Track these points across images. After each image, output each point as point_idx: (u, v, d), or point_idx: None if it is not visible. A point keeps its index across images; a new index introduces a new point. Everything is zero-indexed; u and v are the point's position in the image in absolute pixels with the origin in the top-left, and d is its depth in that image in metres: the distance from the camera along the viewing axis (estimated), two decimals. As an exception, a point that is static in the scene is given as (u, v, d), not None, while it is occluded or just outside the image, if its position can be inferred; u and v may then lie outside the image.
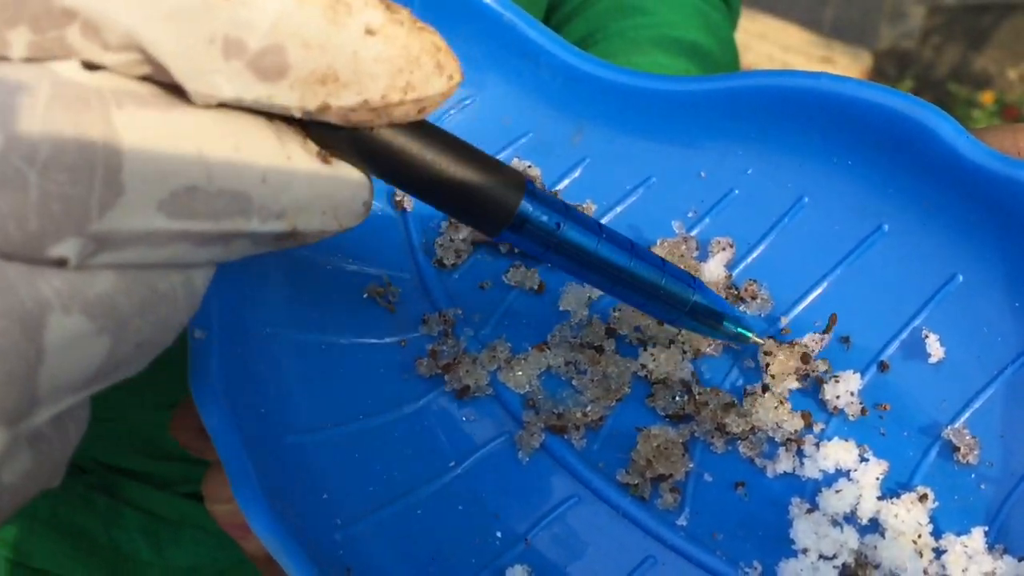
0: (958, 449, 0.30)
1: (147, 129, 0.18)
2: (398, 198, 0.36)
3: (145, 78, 0.18)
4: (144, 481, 0.54)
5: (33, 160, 0.16)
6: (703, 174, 0.36)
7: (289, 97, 0.20)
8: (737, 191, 0.36)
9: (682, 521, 0.30)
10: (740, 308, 0.34)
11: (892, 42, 2.03)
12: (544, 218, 0.26)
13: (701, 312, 0.31)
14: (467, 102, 0.38)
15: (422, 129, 0.23)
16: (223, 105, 0.19)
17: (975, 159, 0.31)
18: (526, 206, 0.26)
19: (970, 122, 2.09)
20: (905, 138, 0.32)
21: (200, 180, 0.19)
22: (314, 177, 0.22)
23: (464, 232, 0.36)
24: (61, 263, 0.17)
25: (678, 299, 0.30)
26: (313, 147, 0.22)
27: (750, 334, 0.32)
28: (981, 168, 0.31)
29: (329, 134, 0.22)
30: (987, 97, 1.92)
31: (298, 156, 0.21)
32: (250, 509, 0.25)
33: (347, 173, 0.23)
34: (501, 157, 0.38)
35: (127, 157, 0.17)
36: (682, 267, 0.35)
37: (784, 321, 0.34)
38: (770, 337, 0.33)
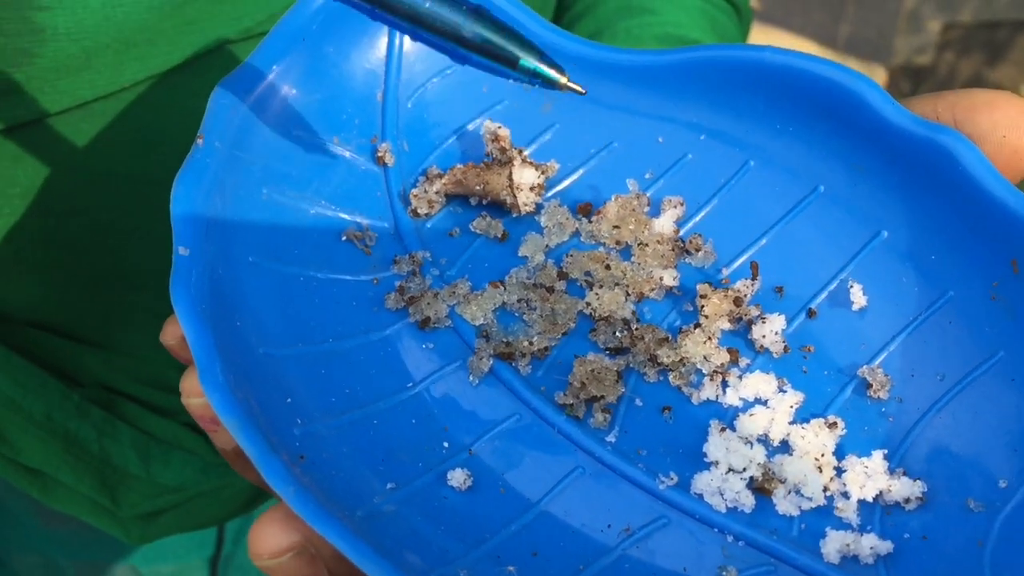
0: (871, 385, 0.33)
1: None
2: (380, 154, 0.40)
3: None
4: (142, 406, 0.58)
5: None
6: (661, 140, 0.39)
7: None
8: (690, 155, 0.39)
9: (611, 438, 0.33)
10: (685, 260, 0.37)
11: (907, 57, 2.04)
12: None
13: (485, 45, 0.29)
14: (449, 71, 0.42)
15: None
16: None
17: (899, 123, 0.34)
18: None
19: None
20: (839, 105, 0.35)
21: None
22: None
23: (437, 185, 0.39)
24: None
25: (449, 31, 0.28)
26: None
27: (556, 75, 0.30)
28: (904, 131, 0.34)
29: None
30: (1002, 112, 1.93)
31: None
32: (212, 392, 0.28)
33: None
34: (477, 120, 0.41)
35: None
36: (632, 223, 0.38)
37: (725, 272, 0.37)
38: (706, 282, 0.36)
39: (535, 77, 0.30)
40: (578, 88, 0.31)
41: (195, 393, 0.31)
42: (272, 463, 0.27)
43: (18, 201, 0.49)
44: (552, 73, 0.30)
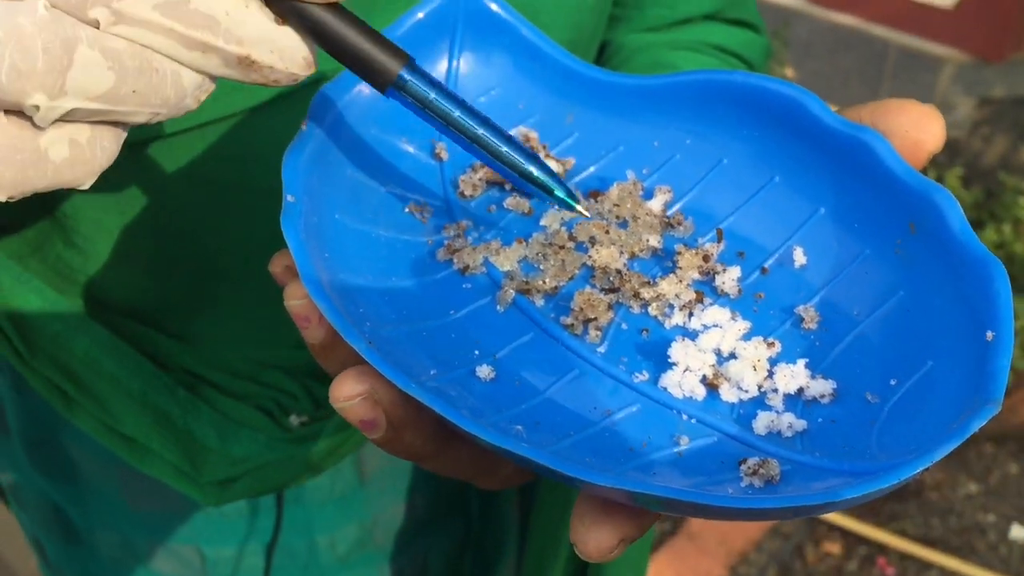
0: (804, 319, 0.43)
1: None
2: (437, 151, 0.52)
3: None
4: (218, 390, 0.69)
5: None
6: (656, 143, 0.51)
7: None
8: (678, 156, 0.50)
9: (601, 349, 0.43)
10: (670, 232, 0.48)
11: (942, 131, 2.14)
12: (420, 85, 0.41)
13: (536, 181, 0.45)
14: (493, 92, 0.54)
15: (339, 12, 0.38)
16: None
17: (833, 125, 0.45)
18: (406, 75, 0.40)
19: (1017, 209, 2.18)
20: (789, 113, 0.46)
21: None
22: (264, 25, 0.36)
23: (480, 174, 0.51)
24: (95, 23, 0.31)
25: (517, 168, 0.45)
26: (270, 12, 0.36)
27: (575, 204, 0.46)
28: (836, 131, 0.44)
29: (279, 6, 0.37)
30: (1035, 186, 1.98)
31: (255, 8, 0.35)
32: (309, 284, 0.39)
33: (290, 34, 0.37)
34: (513, 131, 0.53)
35: None
36: (629, 203, 0.49)
37: (700, 241, 0.47)
38: (683, 245, 0.46)
39: (562, 204, 0.46)
40: (584, 213, 0.46)
41: (297, 296, 0.42)
42: (351, 330, 0.38)
43: (138, 201, 0.61)
44: (573, 204, 0.46)
